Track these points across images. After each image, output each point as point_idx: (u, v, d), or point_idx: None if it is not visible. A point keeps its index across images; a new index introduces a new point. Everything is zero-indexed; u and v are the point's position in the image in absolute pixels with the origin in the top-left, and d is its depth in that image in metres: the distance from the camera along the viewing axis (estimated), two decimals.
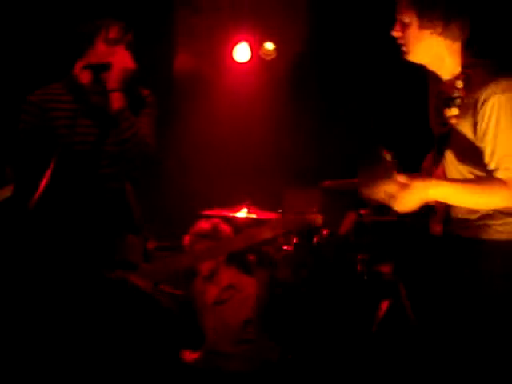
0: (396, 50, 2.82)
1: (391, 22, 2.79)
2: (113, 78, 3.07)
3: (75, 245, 2.99)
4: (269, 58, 5.90)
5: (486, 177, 2.61)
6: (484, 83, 2.61)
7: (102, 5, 4.41)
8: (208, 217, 4.55)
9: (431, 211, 2.84)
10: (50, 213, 3.00)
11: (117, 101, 3.06)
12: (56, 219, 3.04)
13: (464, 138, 2.66)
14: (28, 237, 2.95)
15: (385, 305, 4.21)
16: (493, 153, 2.59)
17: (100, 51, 3.12)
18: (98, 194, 3.09)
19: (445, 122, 2.73)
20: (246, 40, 5.87)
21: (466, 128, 2.66)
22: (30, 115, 3.12)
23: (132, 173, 3.23)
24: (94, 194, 3.07)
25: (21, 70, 5.02)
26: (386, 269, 4.58)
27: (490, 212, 2.65)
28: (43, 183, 2.80)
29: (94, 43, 3.13)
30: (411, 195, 2.59)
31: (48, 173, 2.83)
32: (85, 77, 3.15)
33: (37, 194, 2.78)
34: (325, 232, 4.58)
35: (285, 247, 4.65)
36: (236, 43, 5.89)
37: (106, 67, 3.08)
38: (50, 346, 2.92)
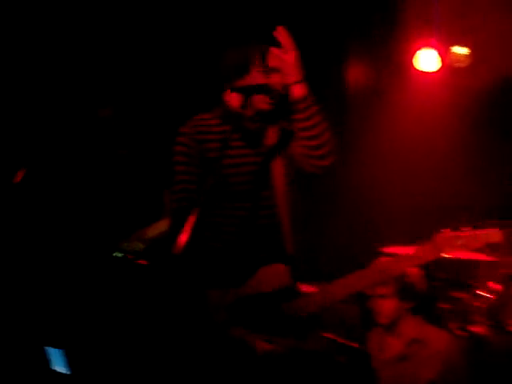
0: None
1: None
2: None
3: (220, 278, 3.08)
4: (460, 66, 5.56)
5: None
6: None
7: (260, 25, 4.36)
8: (390, 255, 4.07)
9: None
10: (199, 245, 3.04)
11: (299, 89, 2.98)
12: (206, 251, 3.11)
13: None
14: (184, 261, 2.89)
15: None
16: None
17: (254, 74, 3.13)
18: (250, 229, 3.12)
19: None
20: (432, 45, 5.56)
21: None
22: (184, 146, 3.17)
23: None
24: (246, 230, 3.10)
25: (174, 100, 5.28)
26: None
27: None
28: (194, 216, 2.77)
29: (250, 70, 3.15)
30: None
31: (199, 205, 2.82)
32: (236, 101, 3.12)
33: (188, 226, 2.76)
34: None
35: (483, 294, 4.27)
36: (419, 49, 5.60)
37: (257, 90, 3.07)
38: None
